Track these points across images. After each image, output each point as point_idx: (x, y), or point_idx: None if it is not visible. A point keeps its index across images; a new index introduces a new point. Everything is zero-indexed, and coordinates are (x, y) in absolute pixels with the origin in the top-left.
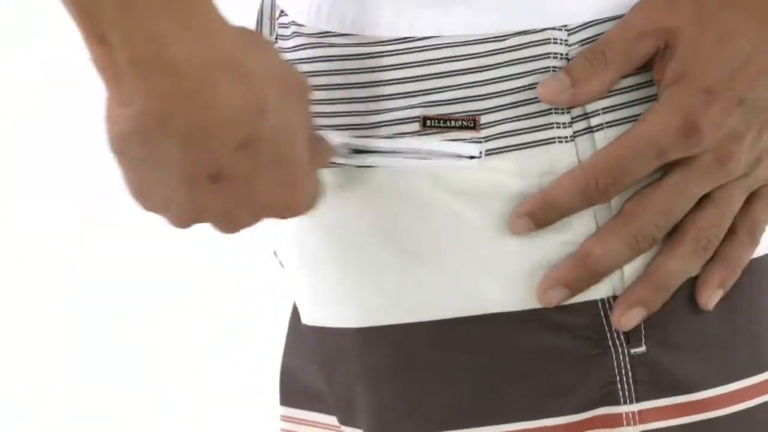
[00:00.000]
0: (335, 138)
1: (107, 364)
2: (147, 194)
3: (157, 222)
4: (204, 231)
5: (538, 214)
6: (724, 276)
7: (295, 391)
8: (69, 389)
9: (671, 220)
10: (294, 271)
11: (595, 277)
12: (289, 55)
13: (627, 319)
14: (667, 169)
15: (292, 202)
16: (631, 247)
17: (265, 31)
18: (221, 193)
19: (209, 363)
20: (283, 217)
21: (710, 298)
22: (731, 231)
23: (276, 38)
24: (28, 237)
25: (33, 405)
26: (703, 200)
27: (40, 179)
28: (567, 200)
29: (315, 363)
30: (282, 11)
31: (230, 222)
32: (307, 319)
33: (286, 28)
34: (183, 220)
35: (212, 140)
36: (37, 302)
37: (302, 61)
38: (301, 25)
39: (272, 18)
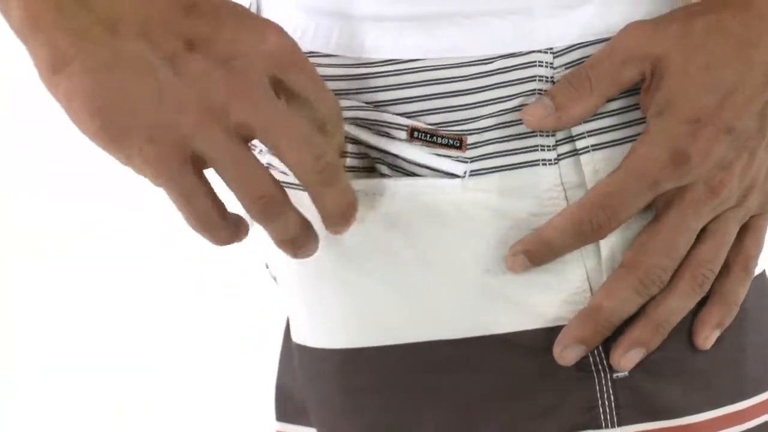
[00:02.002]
0: None
1: (99, 375)
2: (138, 112)
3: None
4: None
5: (533, 252)
6: (722, 315)
7: (289, 406)
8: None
9: (676, 260)
10: (286, 287)
11: (609, 329)
12: None
13: (626, 360)
14: (661, 207)
15: (267, 43)
16: (639, 293)
17: None
18: (205, 56)
19: (204, 376)
20: (279, 63)
21: (707, 338)
22: (726, 267)
23: None
24: (27, 237)
25: (31, 405)
26: (700, 234)
27: (40, 178)
28: (561, 239)
29: (301, 380)
30: None
31: (233, 83)
32: (294, 336)
33: None
34: (190, 115)
35: (165, 15)
36: (33, 302)
37: None
38: None
39: None
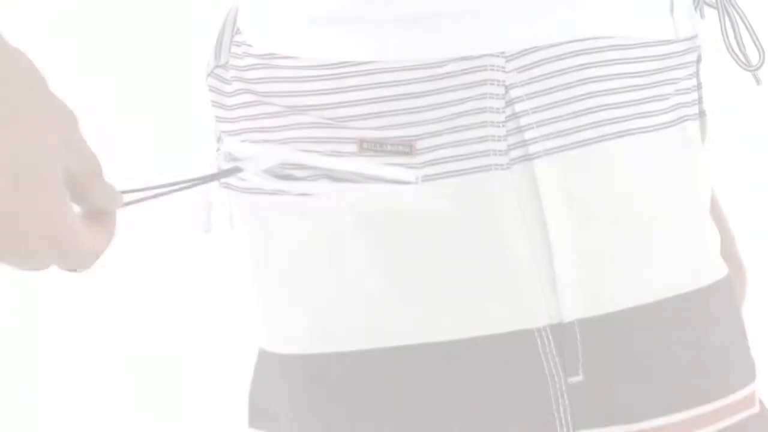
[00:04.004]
0: (276, 154)
1: (89, 382)
2: None
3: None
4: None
5: None
6: None
7: (262, 412)
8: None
9: None
10: (248, 292)
11: None
12: (243, 75)
13: None
14: None
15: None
16: None
17: (225, 47)
18: None
19: (179, 383)
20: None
21: None
22: None
23: (229, 55)
24: None
25: (29, 403)
26: None
27: None
28: None
29: (270, 385)
30: (238, 29)
31: None
32: (259, 341)
33: (239, 46)
34: None
35: None
36: (31, 302)
37: (254, 81)
38: (251, 45)
39: (233, 34)
